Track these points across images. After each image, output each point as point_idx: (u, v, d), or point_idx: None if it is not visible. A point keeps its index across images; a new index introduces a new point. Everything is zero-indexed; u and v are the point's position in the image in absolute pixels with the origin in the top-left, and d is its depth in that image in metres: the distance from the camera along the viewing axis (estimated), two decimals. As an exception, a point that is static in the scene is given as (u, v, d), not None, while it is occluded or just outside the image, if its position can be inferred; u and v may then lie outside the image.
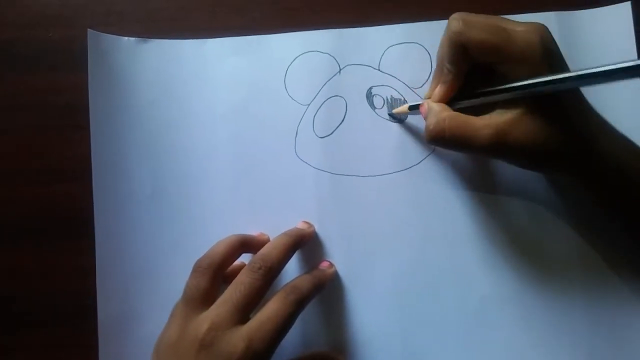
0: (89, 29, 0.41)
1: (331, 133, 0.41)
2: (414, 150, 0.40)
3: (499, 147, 0.33)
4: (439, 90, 0.36)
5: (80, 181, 0.41)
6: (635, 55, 0.40)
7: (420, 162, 0.40)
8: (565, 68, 0.33)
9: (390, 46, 0.41)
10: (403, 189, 0.40)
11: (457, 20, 0.33)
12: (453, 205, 0.40)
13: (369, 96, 0.41)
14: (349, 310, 0.40)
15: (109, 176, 0.41)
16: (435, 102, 0.36)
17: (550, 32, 0.33)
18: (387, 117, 0.41)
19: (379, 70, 0.41)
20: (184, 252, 0.38)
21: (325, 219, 0.40)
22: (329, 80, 0.41)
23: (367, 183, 0.40)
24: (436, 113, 0.35)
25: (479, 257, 0.39)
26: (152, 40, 0.42)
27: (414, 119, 0.40)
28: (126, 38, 0.42)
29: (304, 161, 0.41)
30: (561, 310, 0.39)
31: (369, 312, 0.39)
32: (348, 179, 0.40)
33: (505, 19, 0.33)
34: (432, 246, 0.40)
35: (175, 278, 0.36)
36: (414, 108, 0.38)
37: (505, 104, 0.33)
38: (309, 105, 0.41)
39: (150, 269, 0.41)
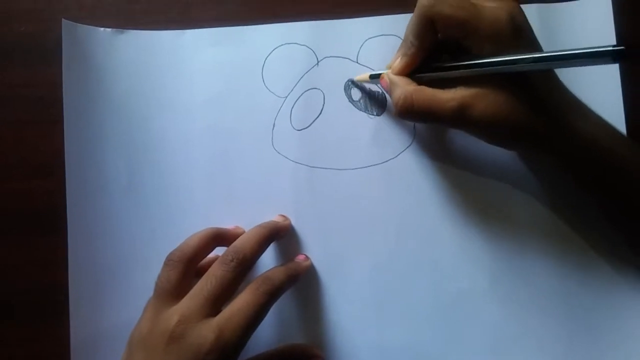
0: (63, 19, 0.41)
1: (308, 126, 0.41)
2: (391, 143, 0.40)
3: (464, 119, 0.33)
4: (399, 63, 0.36)
5: (55, 176, 0.41)
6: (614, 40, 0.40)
7: (398, 155, 0.40)
8: (536, 48, 0.33)
9: (369, 38, 0.41)
10: (380, 182, 0.40)
11: None
12: (430, 199, 0.40)
13: (347, 89, 0.41)
14: (326, 303, 0.39)
15: (83, 168, 0.41)
16: (395, 74, 0.36)
17: (522, 11, 0.33)
18: (365, 110, 0.40)
19: (357, 62, 0.41)
20: (159, 246, 0.37)
21: (302, 212, 0.40)
22: (306, 72, 0.41)
23: (344, 176, 0.40)
24: (402, 87, 0.35)
25: (456, 250, 0.39)
26: (129, 31, 0.41)
27: (391, 113, 0.40)
28: (102, 29, 0.41)
29: (281, 154, 0.41)
30: (538, 301, 0.39)
31: (346, 305, 0.39)
32: (325, 172, 0.40)
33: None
34: (409, 239, 0.40)
35: (149, 272, 0.35)
36: (375, 77, 0.38)
37: (473, 78, 0.33)
38: (286, 97, 0.41)
39: (124, 262, 0.40)
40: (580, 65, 0.30)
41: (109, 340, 0.39)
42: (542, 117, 0.33)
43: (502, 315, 0.39)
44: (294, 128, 0.41)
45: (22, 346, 0.41)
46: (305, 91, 0.41)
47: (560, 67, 0.31)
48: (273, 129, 0.41)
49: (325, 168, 0.40)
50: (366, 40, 0.41)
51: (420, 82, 0.36)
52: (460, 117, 0.33)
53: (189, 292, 0.33)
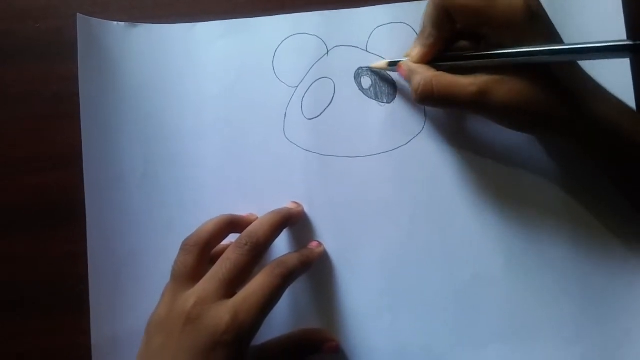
0: (78, 14, 0.41)
1: (319, 114, 0.41)
2: (402, 130, 0.40)
3: (484, 104, 0.33)
4: (417, 52, 0.36)
5: (71, 169, 0.41)
6: (625, 34, 0.40)
7: (408, 142, 0.40)
8: (554, 35, 0.33)
9: (378, 27, 0.41)
10: (391, 169, 0.40)
11: None
12: (441, 185, 0.40)
13: (357, 77, 0.41)
14: (339, 289, 0.40)
15: (100, 160, 0.41)
16: (413, 62, 0.36)
17: (540, 5, 0.33)
18: (375, 98, 0.41)
19: (366, 51, 0.41)
20: (175, 235, 0.38)
21: (315, 200, 0.40)
22: (316, 62, 0.41)
23: (356, 164, 0.40)
24: (422, 73, 0.35)
25: (468, 235, 0.39)
26: (142, 24, 0.42)
27: (401, 101, 0.41)
28: (115, 23, 0.42)
29: (293, 143, 0.41)
30: (552, 286, 0.39)
31: (358, 291, 0.40)
32: (337, 159, 0.41)
33: None
34: (421, 225, 0.40)
35: (166, 261, 0.36)
36: (393, 64, 0.39)
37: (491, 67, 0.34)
38: (297, 87, 0.41)
39: (141, 252, 0.41)
40: (599, 59, 0.30)
41: (129, 329, 0.40)
42: (562, 102, 0.33)
43: (516, 301, 0.39)
44: (305, 117, 0.41)
45: (43, 338, 0.41)
46: (316, 80, 0.41)
47: (578, 59, 0.31)
48: (285, 118, 0.41)
49: (337, 156, 0.41)
50: (375, 28, 0.41)
51: (438, 69, 0.36)
52: (480, 102, 0.33)
53: (205, 276, 0.33)
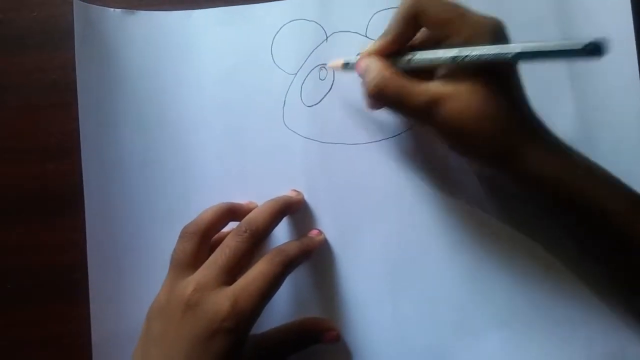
0: (75, 1, 0.41)
1: (319, 102, 0.41)
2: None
3: (431, 115, 0.32)
4: (373, 44, 0.35)
5: (70, 158, 0.41)
6: (632, 29, 0.39)
7: (409, 129, 0.40)
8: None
9: (377, 12, 0.40)
10: (392, 156, 0.40)
11: None
12: (441, 172, 0.39)
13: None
14: (340, 277, 0.40)
15: (98, 148, 0.41)
16: (369, 52, 0.35)
17: (505, 28, 0.32)
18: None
19: (366, 36, 0.41)
20: (174, 223, 0.37)
21: (314, 187, 0.40)
22: (315, 48, 0.41)
23: (356, 151, 0.40)
24: (379, 69, 0.33)
25: (470, 221, 0.39)
26: (139, 11, 0.42)
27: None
28: (112, 9, 0.42)
29: (292, 130, 0.41)
30: (556, 274, 0.38)
31: (359, 279, 0.40)
32: (336, 147, 0.40)
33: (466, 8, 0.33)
34: (421, 212, 0.39)
35: (166, 248, 0.35)
36: (347, 64, 0.38)
37: (452, 75, 0.32)
38: (296, 74, 0.41)
39: (141, 240, 0.41)
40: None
41: (130, 317, 0.40)
42: (519, 128, 0.31)
43: (519, 286, 0.39)
44: (304, 104, 0.41)
45: (42, 328, 0.41)
46: (315, 67, 0.41)
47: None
48: (284, 105, 0.41)
49: (337, 143, 0.40)
50: (375, 13, 0.41)
51: (396, 67, 0.34)
52: (427, 113, 0.32)
53: (204, 263, 0.33)
